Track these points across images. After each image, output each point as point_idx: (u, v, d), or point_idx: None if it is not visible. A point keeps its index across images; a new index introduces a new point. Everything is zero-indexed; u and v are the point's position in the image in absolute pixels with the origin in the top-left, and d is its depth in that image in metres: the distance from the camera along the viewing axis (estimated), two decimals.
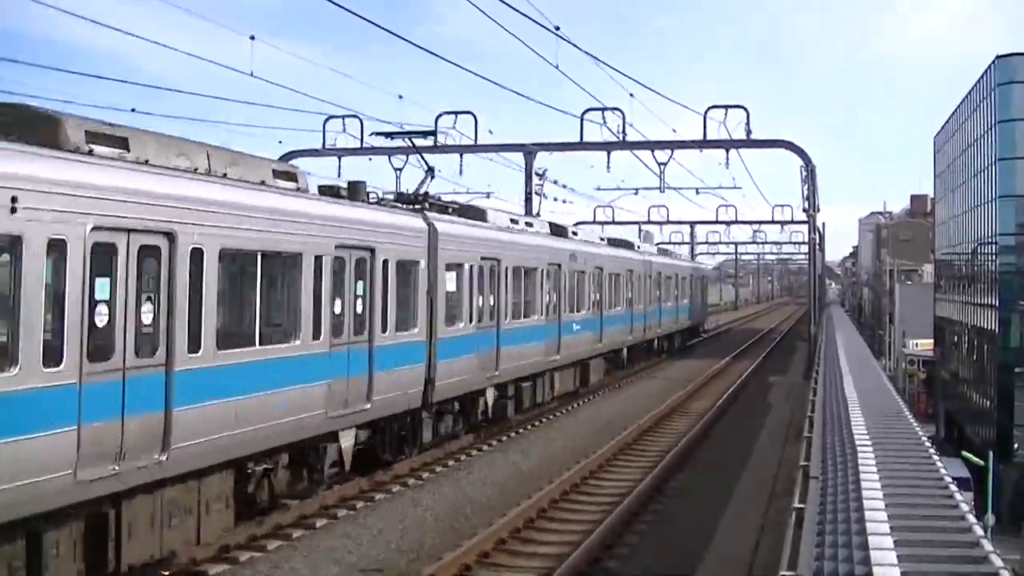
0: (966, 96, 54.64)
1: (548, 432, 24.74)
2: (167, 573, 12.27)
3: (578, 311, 29.57)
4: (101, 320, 10.63)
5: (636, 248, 43.38)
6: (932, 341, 65.39)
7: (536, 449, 22.17)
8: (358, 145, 39.44)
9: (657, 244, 72.96)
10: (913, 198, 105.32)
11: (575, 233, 32.24)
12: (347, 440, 15.93)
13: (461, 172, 41.49)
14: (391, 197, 20.36)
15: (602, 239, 38.62)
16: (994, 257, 47.51)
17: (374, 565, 13.36)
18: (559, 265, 27.45)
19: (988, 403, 46.24)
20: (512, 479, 18.96)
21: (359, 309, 16.05)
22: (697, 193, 59.34)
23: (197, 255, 12.00)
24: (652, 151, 41.54)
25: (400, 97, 69.05)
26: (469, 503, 16.95)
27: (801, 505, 10.14)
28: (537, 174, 43.53)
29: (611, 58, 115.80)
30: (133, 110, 26.70)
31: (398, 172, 41.00)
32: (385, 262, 16.85)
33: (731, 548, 14.95)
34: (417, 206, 19.78)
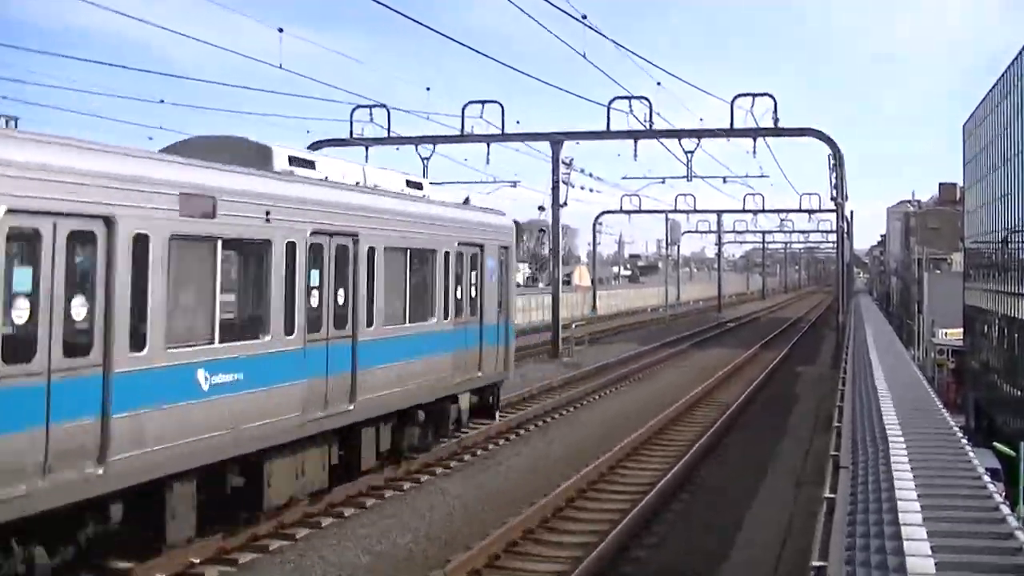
0: (997, 82, 54.02)
1: (574, 421, 24.75)
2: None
3: None
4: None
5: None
6: (961, 330, 64.85)
7: (563, 438, 22.18)
8: (385, 135, 39.61)
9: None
10: (942, 186, 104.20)
11: None
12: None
13: (488, 161, 41.59)
14: None
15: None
16: None
17: (403, 554, 13.42)
18: None
19: (1019, 393, 45.82)
20: (539, 468, 18.98)
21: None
22: (724, 182, 59.00)
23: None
24: (679, 140, 41.40)
25: (428, 89, 69.46)
26: (497, 492, 16.98)
27: (832, 495, 10.08)
28: (564, 163, 43.51)
29: (638, 46, 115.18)
30: (162, 101, 26.88)
31: (425, 161, 41.21)
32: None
33: (760, 537, 14.90)
34: None
